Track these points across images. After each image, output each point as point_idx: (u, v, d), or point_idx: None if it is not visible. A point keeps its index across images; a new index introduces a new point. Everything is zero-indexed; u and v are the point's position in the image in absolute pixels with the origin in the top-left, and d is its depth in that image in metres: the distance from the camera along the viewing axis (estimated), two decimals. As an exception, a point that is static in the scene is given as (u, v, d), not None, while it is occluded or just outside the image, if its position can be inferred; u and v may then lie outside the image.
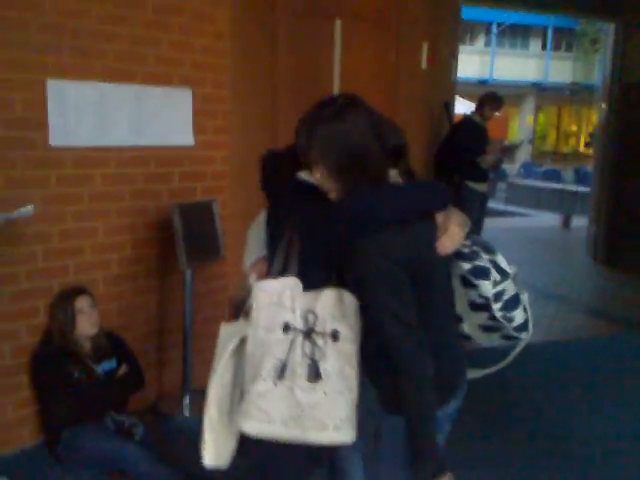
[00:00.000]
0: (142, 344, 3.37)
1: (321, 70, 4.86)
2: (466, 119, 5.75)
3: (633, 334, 5.15)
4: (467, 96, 16.89)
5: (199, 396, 3.48)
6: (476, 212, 5.63)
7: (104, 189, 3.17)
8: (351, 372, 1.63)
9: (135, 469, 2.64)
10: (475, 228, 5.61)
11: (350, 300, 1.65)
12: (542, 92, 24.76)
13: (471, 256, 1.72)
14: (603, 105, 8.33)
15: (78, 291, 2.95)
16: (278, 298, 1.65)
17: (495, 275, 1.70)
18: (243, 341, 1.67)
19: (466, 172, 5.58)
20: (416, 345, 1.55)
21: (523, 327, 1.77)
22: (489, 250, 1.75)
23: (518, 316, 1.74)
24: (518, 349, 1.83)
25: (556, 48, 24.46)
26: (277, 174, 1.83)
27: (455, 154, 5.57)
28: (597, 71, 14.70)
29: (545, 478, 3.01)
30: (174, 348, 3.55)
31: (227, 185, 3.73)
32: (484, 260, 1.72)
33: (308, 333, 1.62)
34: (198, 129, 3.51)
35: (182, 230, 3.24)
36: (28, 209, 2.73)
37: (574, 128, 26.73)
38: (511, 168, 19.52)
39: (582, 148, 22.01)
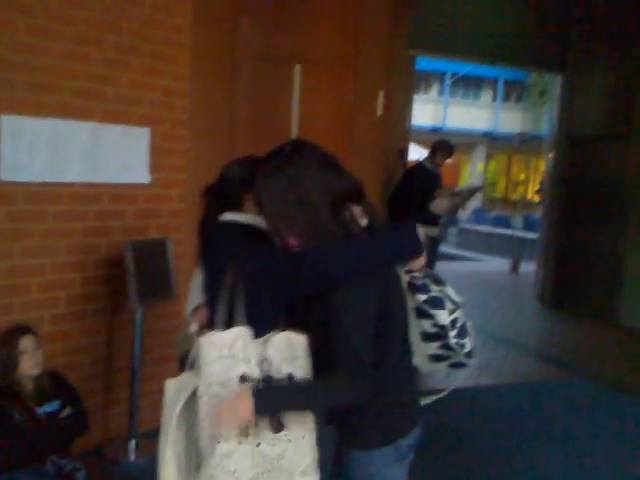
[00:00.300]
0: (88, 385, 3.27)
1: (279, 113, 4.94)
2: (419, 165, 5.93)
3: (580, 378, 5.26)
4: (421, 143, 17.34)
5: (146, 440, 3.42)
6: (428, 256, 5.74)
7: (55, 226, 3.11)
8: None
9: (75, 517, 2.53)
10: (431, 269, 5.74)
11: (298, 340, 1.62)
12: (493, 141, 25.61)
13: (424, 287, 1.76)
14: (550, 155, 8.67)
15: (23, 330, 2.86)
16: (229, 350, 1.59)
17: (449, 304, 1.75)
18: (193, 394, 1.60)
19: (418, 217, 5.71)
20: (366, 380, 1.57)
21: (471, 353, 1.81)
22: (439, 281, 1.81)
23: (468, 343, 1.79)
24: (464, 375, 1.91)
25: (506, 99, 25.44)
26: (204, 218, 1.82)
27: (407, 199, 5.70)
28: (545, 122, 15.32)
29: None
30: (121, 389, 3.46)
31: (182, 223, 3.72)
32: (436, 291, 1.77)
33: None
34: (155, 167, 3.51)
35: (134, 268, 3.19)
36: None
37: (523, 176, 27.64)
38: (461, 214, 19.96)
39: (532, 195, 22.72)
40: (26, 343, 2.83)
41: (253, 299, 1.66)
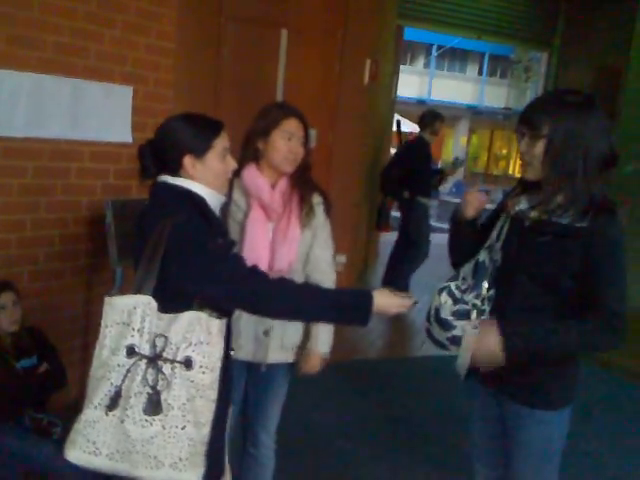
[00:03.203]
0: (66, 342, 3.28)
1: (265, 78, 4.90)
2: (420, 139, 5.93)
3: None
4: (405, 115, 17.27)
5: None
6: (427, 225, 5.96)
7: (35, 181, 3.08)
8: (203, 405, 1.49)
9: (52, 468, 2.57)
10: (427, 239, 5.89)
11: (212, 326, 1.51)
12: (476, 115, 25.64)
13: None
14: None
15: (2, 286, 2.86)
16: (128, 317, 1.50)
17: None
18: None
19: (418, 188, 5.80)
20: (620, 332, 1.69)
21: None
22: None
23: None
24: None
25: (492, 74, 25.40)
26: (143, 172, 1.70)
27: (411, 172, 5.74)
28: (529, 98, 15.35)
29: None
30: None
31: (163, 185, 3.71)
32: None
33: (153, 359, 1.47)
34: (137, 127, 3.47)
35: (114, 227, 3.19)
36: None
37: (505, 151, 27.76)
38: (443, 187, 20.05)
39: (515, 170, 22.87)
40: (5, 299, 2.82)
41: (169, 271, 1.54)
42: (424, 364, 4.57)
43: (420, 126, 5.95)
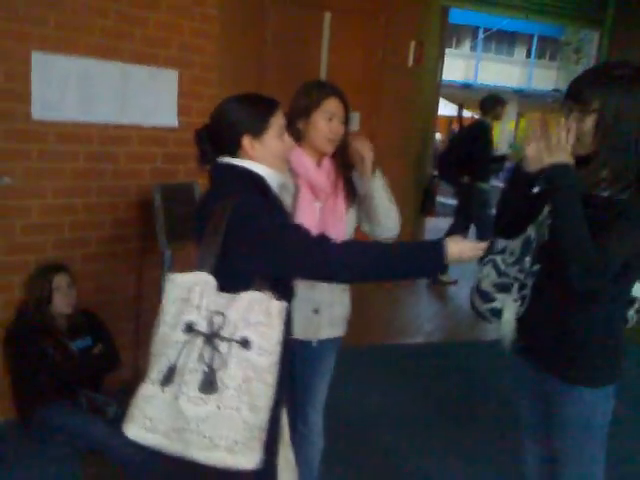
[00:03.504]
0: (119, 324, 3.34)
1: (308, 60, 4.88)
2: (482, 124, 5.85)
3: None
4: (450, 98, 16.99)
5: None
6: (489, 211, 5.84)
7: (86, 165, 3.14)
8: (260, 388, 1.46)
9: (105, 446, 2.62)
10: (488, 223, 5.73)
11: (272, 305, 1.49)
12: (524, 98, 25.02)
13: None
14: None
15: (57, 268, 2.92)
16: (187, 293, 1.50)
17: None
18: None
19: (478, 174, 5.72)
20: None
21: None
22: None
23: (633, 318, 1.82)
24: None
25: (540, 56, 24.74)
26: (202, 157, 1.71)
27: (471, 157, 5.64)
28: (579, 80, 14.88)
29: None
30: (150, 329, 3.52)
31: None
32: None
33: (210, 337, 1.45)
34: (183, 111, 3.50)
35: (163, 211, 3.22)
36: (3, 180, 2.70)
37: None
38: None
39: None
40: (60, 280, 2.89)
41: (232, 250, 1.53)
42: (474, 348, 4.50)
43: (482, 111, 5.84)
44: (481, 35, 23.26)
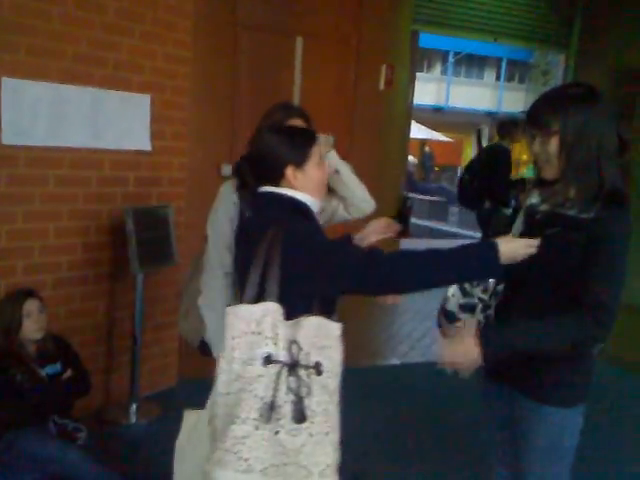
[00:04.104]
0: (90, 349, 3.31)
1: (281, 85, 4.93)
2: (501, 148, 5.82)
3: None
4: (422, 122, 17.25)
5: (146, 403, 3.47)
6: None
7: (57, 190, 3.13)
8: (334, 410, 1.49)
9: (76, 473, 2.58)
10: None
11: (331, 328, 1.51)
12: (496, 121, 25.50)
13: None
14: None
15: (27, 293, 2.89)
16: (257, 326, 1.46)
17: None
18: None
19: (501, 198, 5.73)
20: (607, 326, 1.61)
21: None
22: None
23: None
24: None
25: (510, 79, 25.27)
26: (243, 187, 1.76)
27: (492, 182, 5.60)
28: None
29: None
30: (122, 354, 3.51)
31: (184, 192, 3.74)
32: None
33: (293, 366, 1.44)
34: (156, 135, 3.51)
35: (135, 234, 3.22)
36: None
37: (525, 157, 27.54)
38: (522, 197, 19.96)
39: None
40: (30, 306, 2.86)
41: (289, 276, 1.53)
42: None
43: (499, 135, 5.79)
44: (451, 59, 23.71)
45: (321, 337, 1.49)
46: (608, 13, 7.33)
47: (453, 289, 1.81)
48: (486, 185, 5.67)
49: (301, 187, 1.69)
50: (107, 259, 3.41)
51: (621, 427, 3.77)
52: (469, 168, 6.28)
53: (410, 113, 8.10)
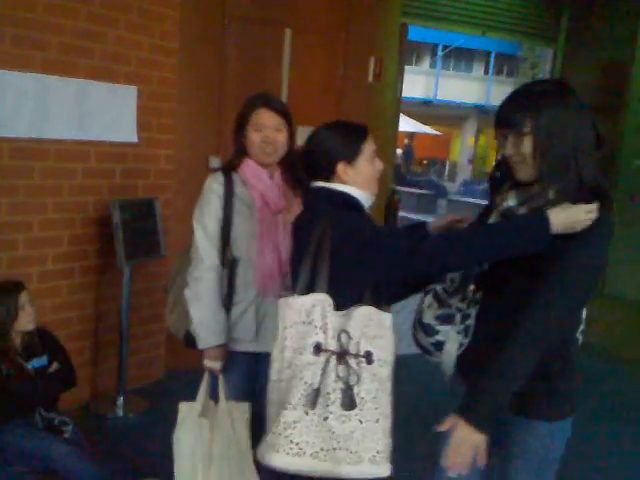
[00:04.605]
0: (76, 342, 3.30)
1: (269, 77, 4.90)
2: None
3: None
4: (411, 115, 17.26)
5: (133, 396, 3.46)
6: None
7: (41, 182, 3.10)
8: (385, 398, 1.52)
9: (63, 466, 2.56)
10: None
11: (383, 318, 1.56)
12: (483, 114, 25.58)
13: None
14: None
15: (20, 286, 2.86)
16: (307, 316, 1.52)
17: None
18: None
19: None
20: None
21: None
22: None
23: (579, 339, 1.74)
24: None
25: (498, 72, 25.33)
26: (297, 179, 1.80)
27: None
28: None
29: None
30: (109, 347, 3.49)
31: (171, 184, 3.71)
32: None
33: (342, 355, 1.49)
34: (142, 126, 3.49)
35: (122, 227, 3.20)
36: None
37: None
38: (451, 186, 20.05)
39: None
40: (24, 298, 2.83)
41: (339, 268, 1.57)
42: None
43: None
44: (440, 52, 23.72)
45: (372, 327, 1.53)
46: (596, 6, 7.36)
47: (428, 299, 1.72)
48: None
49: (352, 182, 1.71)
50: (93, 252, 3.39)
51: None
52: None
53: (399, 106, 8.10)
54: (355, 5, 5.36)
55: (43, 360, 2.92)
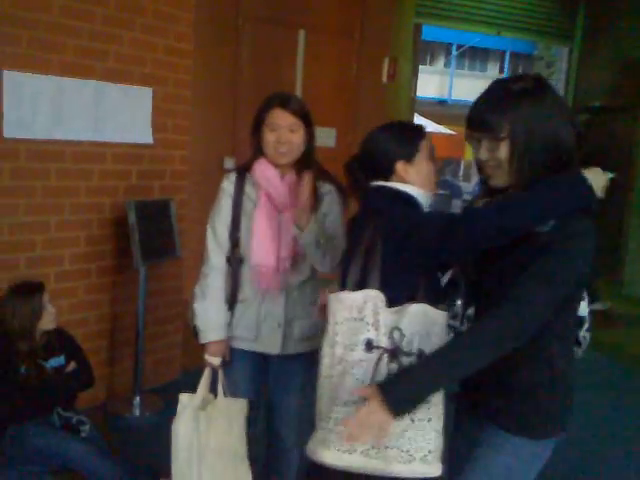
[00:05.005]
0: (93, 342, 3.32)
1: (283, 77, 4.92)
2: None
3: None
4: (425, 115, 17.20)
5: (150, 396, 3.47)
6: None
7: (59, 183, 3.13)
8: (437, 397, 1.47)
9: (81, 465, 2.59)
10: None
11: (437, 316, 1.52)
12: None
13: None
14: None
15: (42, 286, 2.88)
16: (359, 312, 1.50)
17: (586, 295, 1.61)
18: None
19: None
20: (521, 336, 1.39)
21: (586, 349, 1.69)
22: None
23: (588, 337, 1.66)
24: None
25: (513, 72, 25.19)
26: (355, 181, 1.76)
27: None
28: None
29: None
30: (126, 347, 3.51)
31: (185, 185, 3.73)
32: None
33: (394, 352, 1.46)
34: (158, 128, 3.51)
35: (138, 228, 3.22)
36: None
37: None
38: (466, 186, 19.95)
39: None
40: (45, 298, 2.86)
41: (391, 263, 1.54)
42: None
43: None
44: (454, 52, 23.62)
45: (426, 324, 1.49)
46: (611, 5, 7.29)
47: None
48: None
49: (412, 181, 1.70)
50: (110, 252, 3.41)
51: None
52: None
53: (413, 106, 8.09)
54: (369, 5, 5.36)
55: (61, 359, 2.94)
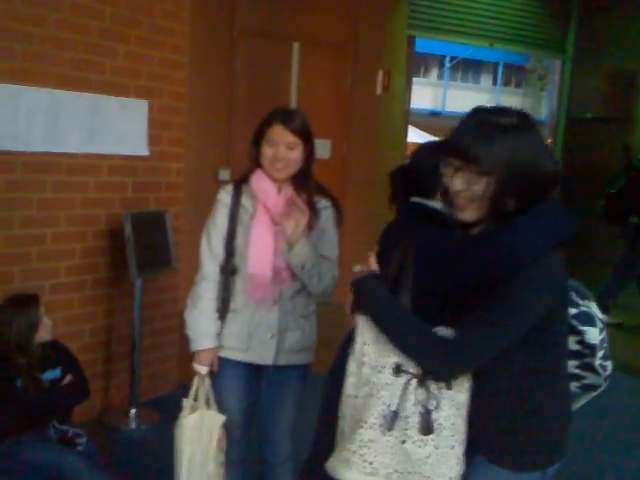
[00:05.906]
0: (89, 355, 3.31)
1: (278, 90, 4.95)
2: None
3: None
4: (419, 126, 17.27)
5: (146, 409, 3.46)
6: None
7: (54, 196, 3.13)
8: (461, 424, 1.46)
9: (77, 479, 2.57)
10: None
11: None
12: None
13: (572, 301, 1.56)
14: (549, 140, 8.66)
15: (37, 299, 2.87)
16: None
17: (599, 321, 1.58)
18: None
19: None
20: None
21: (609, 376, 1.64)
22: (584, 295, 1.60)
23: (610, 365, 1.62)
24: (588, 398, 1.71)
25: (506, 84, 25.35)
26: (394, 196, 1.75)
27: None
28: (544, 107, 15.29)
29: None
30: (122, 360, 3.50)
31: (181, 197, 3.74)
32: (584, 305, 1.57)
33: (423, 379, 1.44)
34: (154, 140, 3.52)
35: (133, 240, 3.22)
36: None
37: None
38: None
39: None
40: (41, 310, 2.85)
41: (421, 287, 1.51)
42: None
43: None
44: (448, 64, 23.79)
45: None
46: (603, 18, 7.37)
47: None
48: (633, 201, 5.63)
49: None
50: (105, 264, 3.40)
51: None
52: (614, 184, 6.19)
53: (407, 118, 8.12)
54: (362, 19, 5.40)
55: (57, 372, 2.93)
